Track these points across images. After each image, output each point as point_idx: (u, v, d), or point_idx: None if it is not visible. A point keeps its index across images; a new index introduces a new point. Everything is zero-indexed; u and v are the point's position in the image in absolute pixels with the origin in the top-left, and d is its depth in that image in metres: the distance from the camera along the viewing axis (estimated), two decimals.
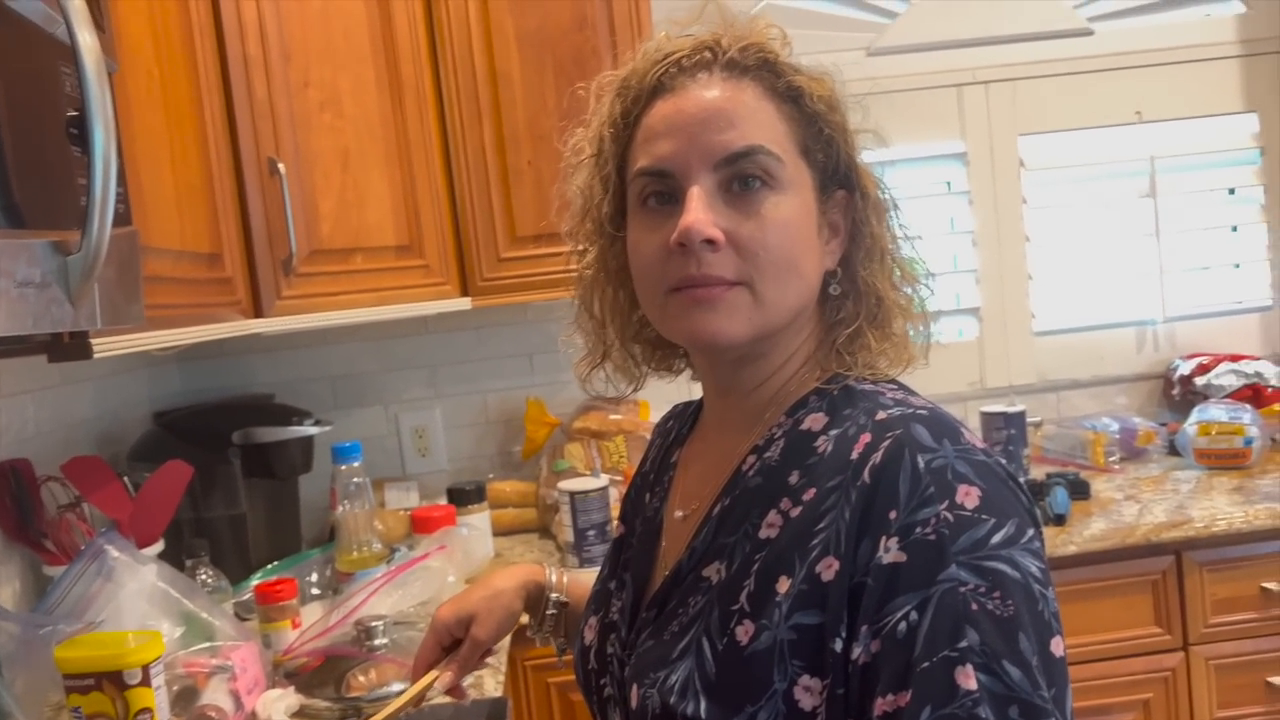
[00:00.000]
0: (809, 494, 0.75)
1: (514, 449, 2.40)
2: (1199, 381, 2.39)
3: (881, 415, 0.75)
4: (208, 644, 1.37)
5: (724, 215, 0.77)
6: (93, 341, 1.11)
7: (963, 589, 0.66)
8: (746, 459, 0.82)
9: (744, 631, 0.73)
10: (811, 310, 0.84)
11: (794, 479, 0.77)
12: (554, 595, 1.07)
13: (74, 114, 0.89)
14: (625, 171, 0.84)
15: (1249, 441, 2.13)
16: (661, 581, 0.85)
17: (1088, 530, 1.84)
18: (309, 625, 1.55)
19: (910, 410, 0.75)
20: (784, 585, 0.73)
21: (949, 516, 0.68)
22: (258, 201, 1.71)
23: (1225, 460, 2.14)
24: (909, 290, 0.86)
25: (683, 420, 1.00)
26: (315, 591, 1.82)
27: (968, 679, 0.64)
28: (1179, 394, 2.44)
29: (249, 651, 1.39)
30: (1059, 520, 1.87)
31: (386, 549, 1.78)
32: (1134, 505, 1.96)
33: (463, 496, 1.98)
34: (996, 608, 0.66)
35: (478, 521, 1.96)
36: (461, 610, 1.03)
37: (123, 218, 1.07)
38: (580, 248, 0.91)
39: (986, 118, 2.46)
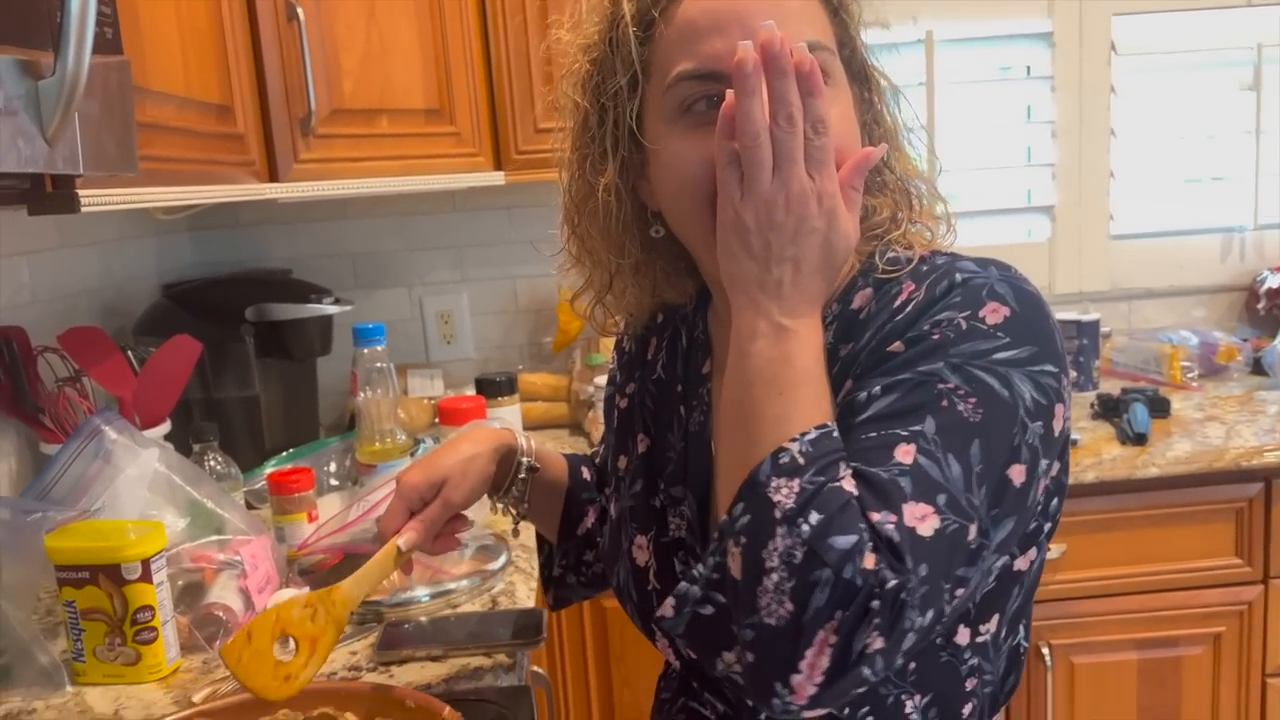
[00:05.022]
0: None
1: (545, 340, 2.26)
2: None
3: (925, 268, 0.74)
4: (216, 537, 1.26)
5: None
6: (80, 192, 0.95)
7: (941, 385, 0.66)
8: None
9: None
10: None
11: (844, 352, 0.74)
12: (526, 460, 1.01)
13: None
14: (644, 78, 0.77)
15: None
16: None
17: (1170, 452, 1.69)
18: (326, 519, 1.43)
19: (957, 257, 0.74)
20: None
21: (962, 324, 0.68)
22: (274, 52, 1.52)
23: None
24: (927, 172, 0.83)
25: (685, 324, 0.92)
26: (334, 483, 1.70)
27: (906, 455, 0.64)
28: (1265, 308, 2.25)
29: (260, 546, 1.27)
30: (1139, 439, 1.72)
31: (411, 440, 1.65)
32: (1218, 427, 1.81)
33: (493, 388, 1.84)
34: (966, 411, 0.66)
35: (508, 415, 1.82)
36: (433, 474, 0.93)
37: (110, 44, 0.91)
38: (576, 168, 0.83)
39: None
